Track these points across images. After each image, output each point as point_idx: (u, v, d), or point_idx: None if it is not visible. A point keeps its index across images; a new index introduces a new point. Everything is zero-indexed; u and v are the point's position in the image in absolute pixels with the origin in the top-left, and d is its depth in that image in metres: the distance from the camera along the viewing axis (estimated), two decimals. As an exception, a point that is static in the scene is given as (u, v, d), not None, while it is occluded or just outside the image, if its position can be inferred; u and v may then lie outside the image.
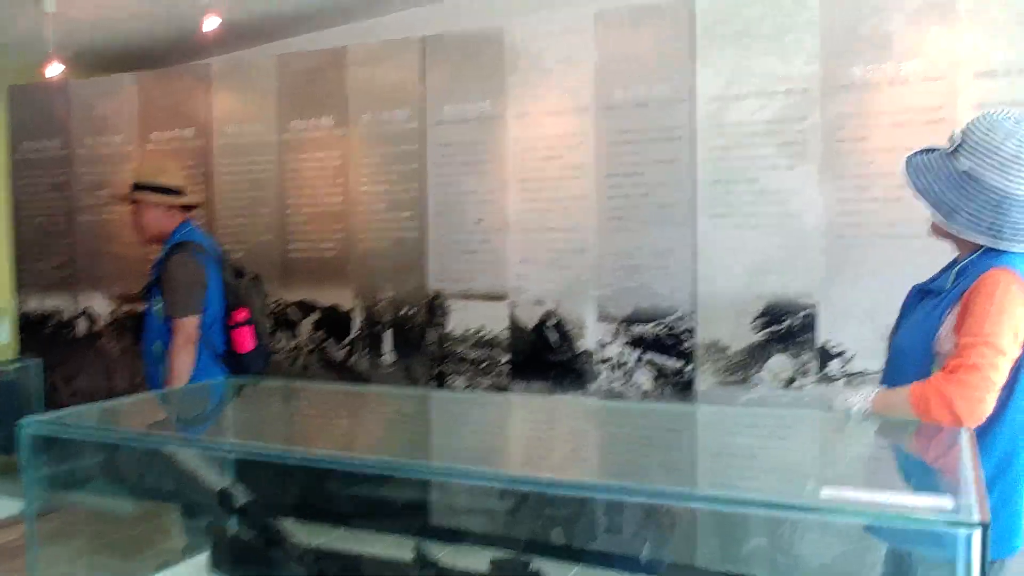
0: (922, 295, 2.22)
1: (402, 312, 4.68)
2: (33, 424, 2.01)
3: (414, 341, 4.65)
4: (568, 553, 4.09)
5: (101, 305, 5.65)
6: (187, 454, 2.24)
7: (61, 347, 5.80)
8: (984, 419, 1.91)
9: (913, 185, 2.08)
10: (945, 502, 1.43)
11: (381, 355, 4.74)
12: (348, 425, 2.68)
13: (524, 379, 4.35)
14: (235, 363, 3.77)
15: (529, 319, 4.34)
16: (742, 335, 3.83)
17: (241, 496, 2.07)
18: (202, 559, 2.35)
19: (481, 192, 4.47)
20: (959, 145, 2.04)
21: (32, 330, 5.92)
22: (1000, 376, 1.92)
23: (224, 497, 2.07)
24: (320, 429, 2.58)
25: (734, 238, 3.86)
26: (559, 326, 4.25)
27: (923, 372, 2.05)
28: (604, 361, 4.15)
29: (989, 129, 2.01)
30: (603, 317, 4.15)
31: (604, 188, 4.16)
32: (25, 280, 5.97)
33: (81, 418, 2.47)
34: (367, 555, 2.20)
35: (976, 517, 1.30)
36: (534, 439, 2.39)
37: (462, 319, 4.51)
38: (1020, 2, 3.37)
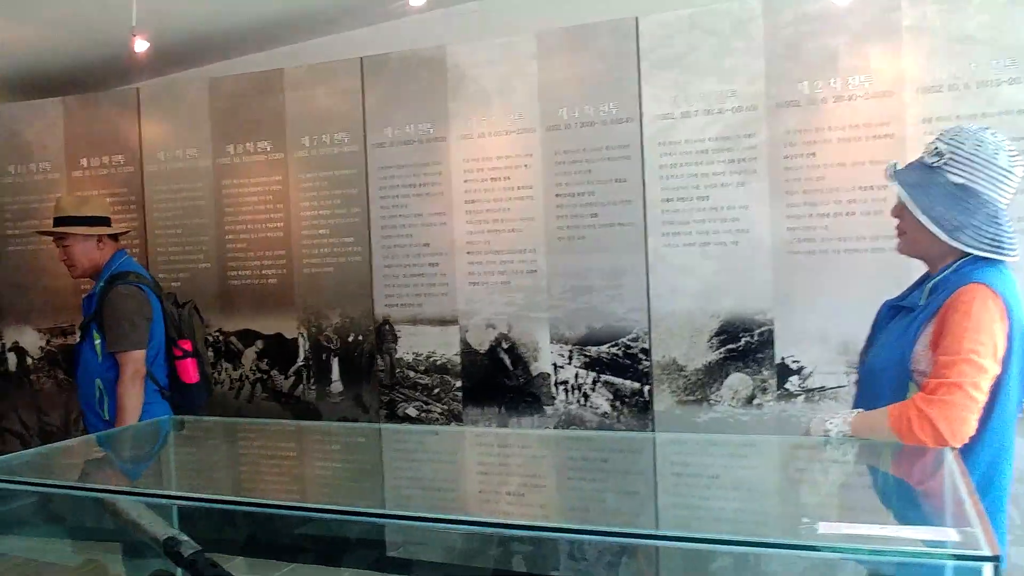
0: (894, 311, 2.20)
1: (350, 339, 4.56)
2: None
3: (363, 368, 4.54)
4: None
5: (31, 339, 5.41)
6: (127, 501, 2.11)
7: (-12, 385, 5.54)
8: (967, 439, 1.89)
9: (916, 203, 2.03)
10: (950, 534, 1.40)
11: (329, 384, 4.61)
12: (296, 467, 2.57)
13: (478, 405, 4.28)
14: (179, 396, 3.64)
15: (481, 343, 4.26)
16: (699, 354, 3.81)
17: (188, 547, 1.94)
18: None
19: (426, 215, 4.39)
20: (948, 159, 2.02)
21: (-45, 368, 5.65)
22: (982, 394, 1.91)
23: (169, 547, 1.95)
24: (268, 472, 2.47)
25: (687, 256, 3.85)
26: (512, 349, 4.18)
27: (899, 391, 2.02)
28: (560, 384, 4.09)
29: (978, 143, 2.00)
30: (557, 339, 4.10)
31: (552, 208, 4.11)
32: (-54, 316, 5.70)
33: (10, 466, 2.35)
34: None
35: (987, 550, 1.27)
36: (492, 477, 2.32)
37: (412, 344, 4.42)
38: (958, 20, 3.42)
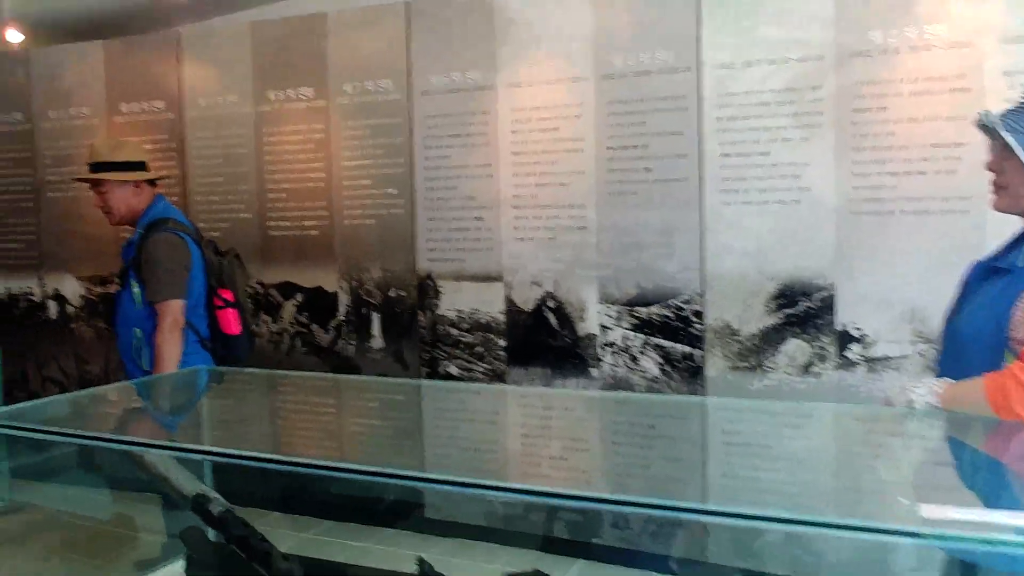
0: (987, 272, 1.98)
1: (391, 294, 4.44)
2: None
3: (404, 325, 4.42)
4: (572, 549, 3.92)
5: (71, 287, 5.37)
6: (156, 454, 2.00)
7: (32, 331, 5.53)
8: None
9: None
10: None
11: (369, 339, 4.51)
12: (334, 423, 2.46)
13: (522, 365, 4.14)
14: (221, 347, 3.55)
15: (526, 301, 4.12)
16: (755, 318, 3.64)
17: (217, 504, 1.82)
18: (179, 567, 2.14)
19: (471, 167, 4.22)
20: None
21: (1, 313, 5.64)
22: None
23: (198, 504, 1.83)
24: (305, 428, 2.36)
25: (744, 214, 3.65)
26: (558, 308, 4.04)
27: (993, 361, 1.81)
28: (607, 346, 3.94)
29: None
30: (605, 299, 3.94)
31: (604, 162, 3.93)
32: (-11, 261, 5.68)
33: (37, 413, 2.27)
34: (359, 569, 1.99)
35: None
36: (535, 440, 2.19)
37: (455, 301, 4.29)
38: (1051, -39, 3.16)
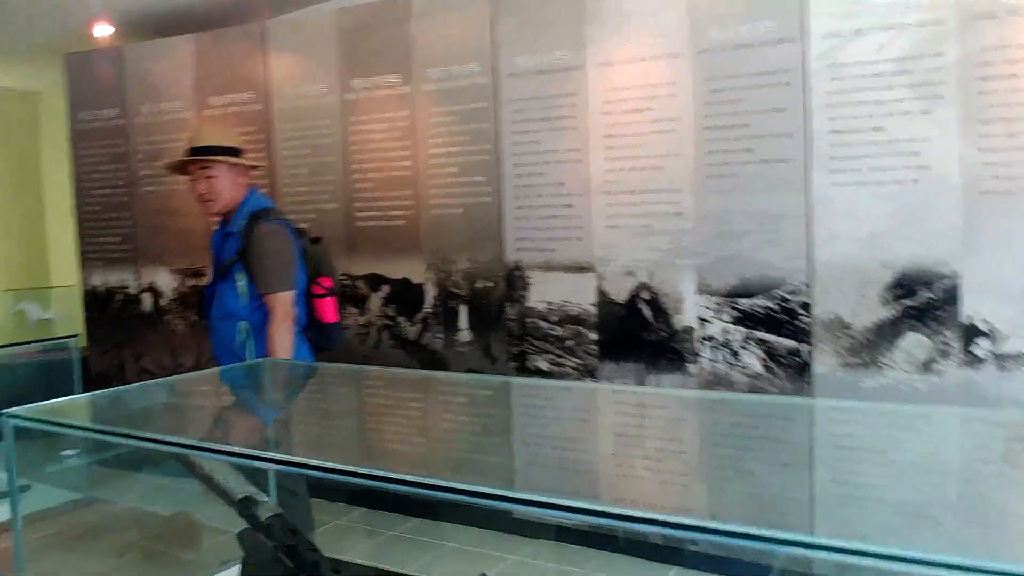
0: None
1: (478, 285, 4.28)
2: (17, 416, 1.76)
3: (492, 317, 4.25)
4: (667, 555, 3.70)
5: (165, 280, 5.39)
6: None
7: (128, 324, 5.58)
8: None
9: None
10: None
11: (456, 332, 4.35)
12: (419, 427, 2.30)
13: (614, 359, 3.93)
14: (317, 336, 3.48)
15: (619, 292, 3.90)
16: (868, 310, 3.33)
17: (265, 509, 1.67)
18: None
19: (561, 151, 4.02)
20: None
21: (99, 306, 5.71)
22: None
23: (244, 508, 1.68)
24: (386, 433, 2.20)
25: (856, 196, 3.34)
26: (653, 300, 3.80)
27: None
28: (706, 340, 3.69)
29: None
30: (703, 290, 3.68)
31: (702, 143, 3.67)
32: (88, 255, 5.76)
33: (74, 409, 2.17)
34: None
35: None
36: (628, 449, 1.98)
37: (544, 292, 4.09)
38: None
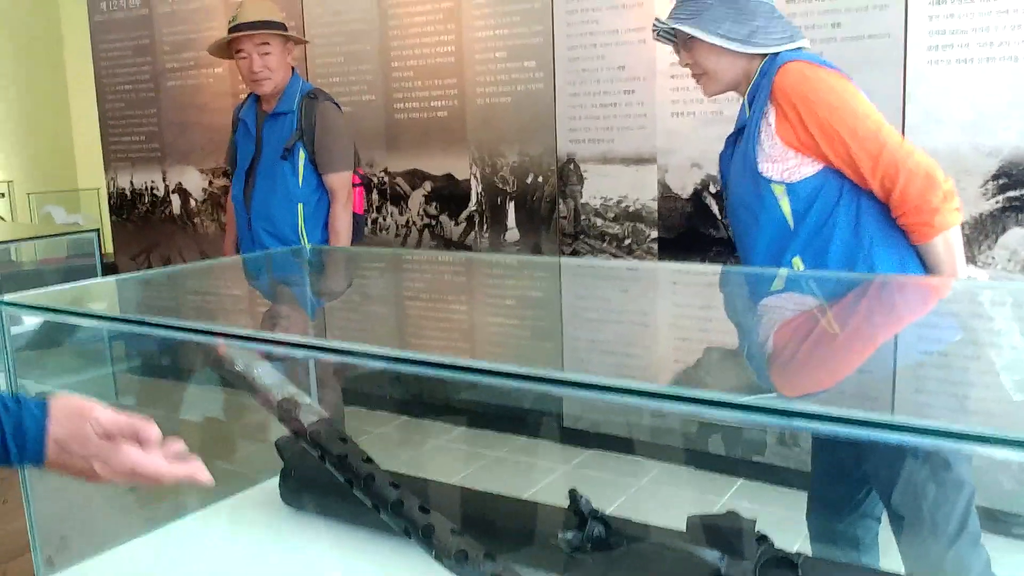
0: None
1: (528, 180, 3.98)
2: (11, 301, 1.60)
3: (543, 215, 3.96)
4: (732, 466, 3.47)
5: (193, 180, 5.14)
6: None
7: (157, 227, 5.36)
8: None
9: (703, 29, 2.04)
10: None
11: (504, 231, 4.07)
12: (460, 313, 2.06)
13: (676, 258, 3.64)
14: None
15: (683, 187, 3.59)
16: (968, 202, 2.99)
17: (309, 413, 1.40)
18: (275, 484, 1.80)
19: (622, 31, 3.67)
20: None
21: (125, 210, 5.48)
22: None
23: (285, 412, 1.42)
24: (426, 317, 1.96)
25: (958, 75, 2.99)
26: (720, 194, 3.49)
27: None
28: (781, 236, 3.39)
29: None
30: (778, 181, 3.37)
31: (779, 20, 3.31)
32: (113, 155, 5.51)
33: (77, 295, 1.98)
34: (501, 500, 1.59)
35: None
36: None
37: (600, 187, 3.79)
38: None
